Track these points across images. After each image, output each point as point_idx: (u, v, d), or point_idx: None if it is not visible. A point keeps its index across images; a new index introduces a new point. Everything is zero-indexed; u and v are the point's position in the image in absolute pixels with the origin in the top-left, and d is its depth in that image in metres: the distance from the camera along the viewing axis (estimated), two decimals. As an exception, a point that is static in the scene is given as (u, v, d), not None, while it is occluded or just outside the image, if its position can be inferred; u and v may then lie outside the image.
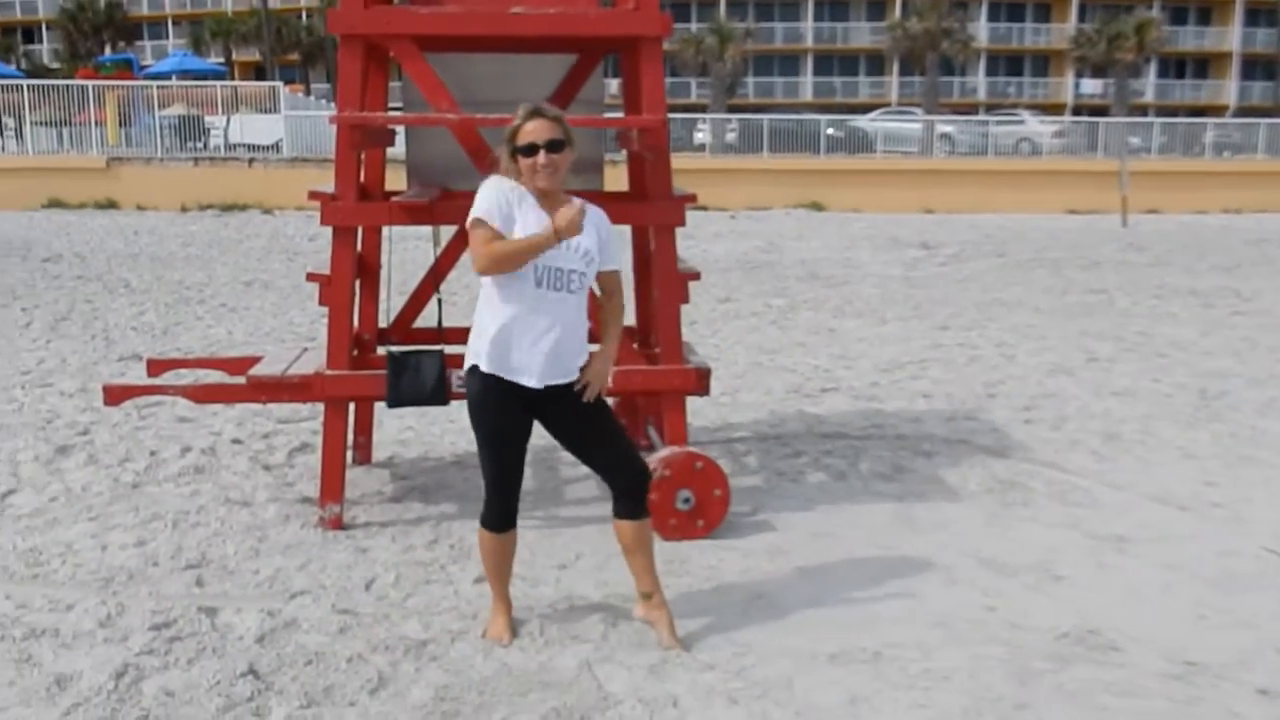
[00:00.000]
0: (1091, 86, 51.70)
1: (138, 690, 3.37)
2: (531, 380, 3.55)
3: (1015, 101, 48.55)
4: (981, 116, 34.25)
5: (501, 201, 3.51)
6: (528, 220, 3.50)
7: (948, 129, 29.70)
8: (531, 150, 3.49)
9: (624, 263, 3.84)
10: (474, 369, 3.61)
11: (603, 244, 3.65)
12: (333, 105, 30.59)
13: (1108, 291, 12.64)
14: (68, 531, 4.77)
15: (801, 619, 3.95)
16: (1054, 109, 47.63)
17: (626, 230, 5.35)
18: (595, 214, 3.64)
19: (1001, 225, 21.37)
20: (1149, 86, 52.49)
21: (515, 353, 3.54)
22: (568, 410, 3.66)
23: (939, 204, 24.53)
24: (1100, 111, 40.24)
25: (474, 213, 3.51)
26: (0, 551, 4.54)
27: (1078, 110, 48.41)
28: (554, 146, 3.50)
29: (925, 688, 3.45)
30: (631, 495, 3.72)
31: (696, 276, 5.00)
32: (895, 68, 51.20)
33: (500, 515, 3.69)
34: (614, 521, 3.78)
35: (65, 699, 3.32)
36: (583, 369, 3.65)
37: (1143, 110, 45.88)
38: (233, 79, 39.57)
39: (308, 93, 39.38)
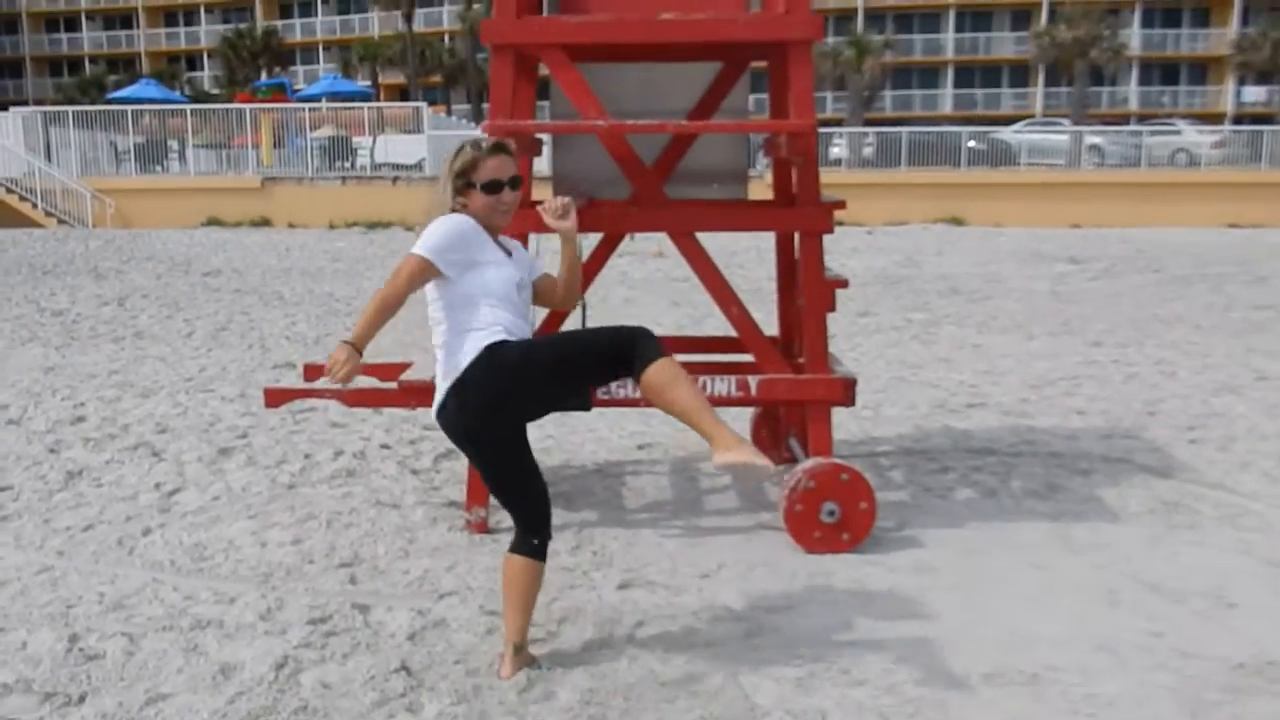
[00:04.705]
0: (1255, 94, 49.23)
1: (296, 681, 3.47)
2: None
3: (1170, 111, 46.59)
4: (1134, 126, 32.92)
5: (459, 243, 3.32)
6: (494, 259, 3.37)
7: (1097, 140, 28.61)
8: (496, 187, 3.37)
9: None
10: (484, 354, 3.27)
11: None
12: (474, 126, 31.39)
13: (1276, 308, 11.95)
14: (229, 528, 4.97)
15: (953, 637, 3.81)
16: (1212, 118, 45.46)
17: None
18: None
19: (1156, 240, 20.47)
20: (1318, 93, 49.66)
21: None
22: None
23: (1087, 218, 23.65)
24: (1264, 120, 38.19)
25: (423, 248, 3.28)
26: (168, 546, 4.75)
27: (1239, 119, 46.09)
28: (515, 183, 3.43)
29: (1089, 714, 3.28)
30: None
31: (844, 284, 4.91)
32: (1041, 78, 49.79)
33: (547, 533, 3.44)
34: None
35: (230, 687, 3.44)
36: None
37: (1311, 118, 43.40)
38: (379, 100, 41.00)
39: (449, 113, 40.55)
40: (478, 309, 3.33)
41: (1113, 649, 3.73)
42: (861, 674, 3.52)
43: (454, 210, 3.39)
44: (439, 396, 3.37)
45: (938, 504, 5.32)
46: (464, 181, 3.38)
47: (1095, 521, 5.05)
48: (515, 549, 3.44)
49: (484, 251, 3.37)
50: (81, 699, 3.37)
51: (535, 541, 3.42)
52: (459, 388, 3.29)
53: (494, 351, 3.27)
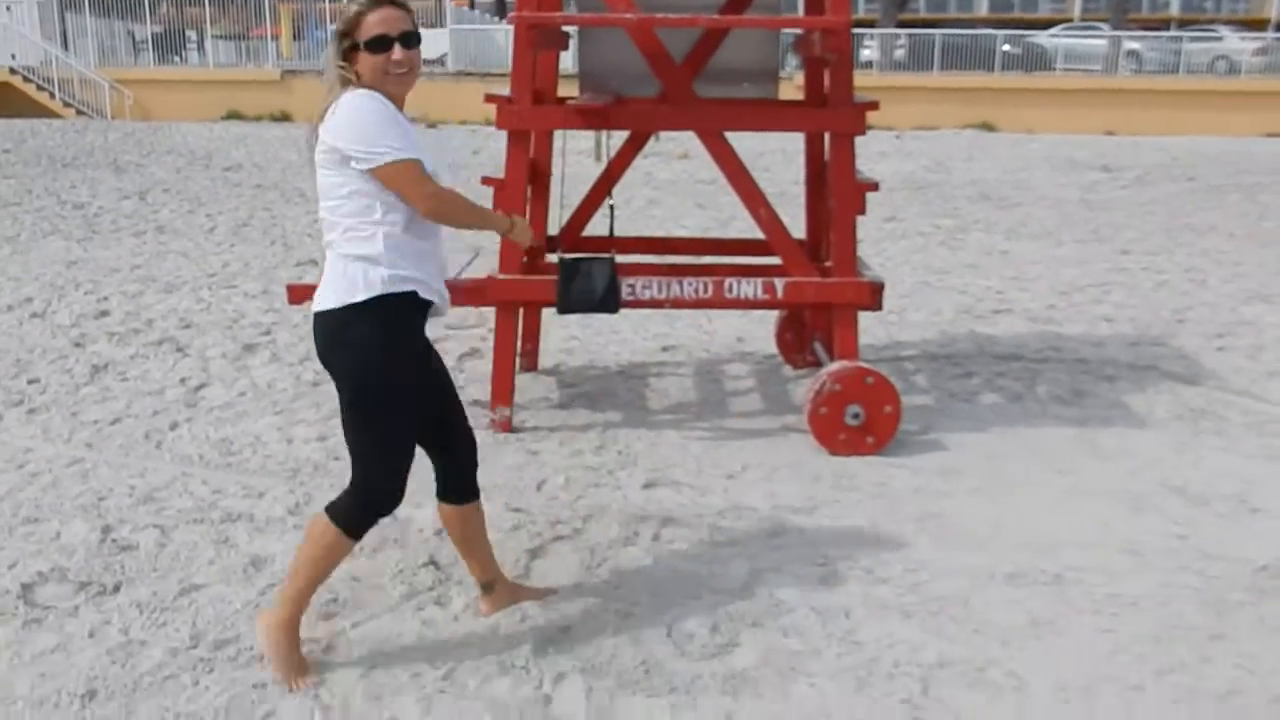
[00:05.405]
0: (1301, -1, 47.55)
1: (326, 573, 3.52)
2: (445, 302, 2.95)
3: (1213, 17, 45.05)
4: (1174, 32, 31.94)
5: (405, 126, 2.79)
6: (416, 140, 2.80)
7: (1135, 45, 27.79)
8: (383, 44, 2.75)
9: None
10: (367, 303, 2.79)
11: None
12: (498, 20, 30.77)
13: (1311, 217, 11.73)
14: (256, 424, 5.01)
15: (977, 538, 3.83)
16: (1256, 24, 44.03)
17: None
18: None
19: (1191, 148, 20.01)
20: (1367, -2, 47.96)
21: (423, 264, 2.85)
22: (435, 358, 3.09)
23: (1122, 125, 23.10)
24: (1309, 26, 36.98)
25: (398, 151, 2.72)
26: (196, 440, 4.80)
27: (1282, 25, 44.63)
28: (409, 40, 2.79)
29: (1112, 613, 3.31)
30: (472, 473, 3.21)
31: (874, 187, 4.82)
32: (1079, -20, 48.17)
33: (397, 496, 2.94)
34: (447, 508, 3.15)
35: (260, 579, 3.50)
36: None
37: (1357, 24, 41.97)
38: (400, -4, 40.06)
39: (472, 7, 39.62)
40: (393, 229, 2.79)
41: (1136, 551, 3.73)
42: (885, 573, 3.55)
43: (346, 81, 2.80)
44: (316, 305, 2.91)
45: (962, 408, 5.31)
46: (349, 44, 2.78)
47: (1121, 427, 5.03)
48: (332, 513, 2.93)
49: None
50: (116, 588, 3.44)
51: (361, 513, 2.93)
52: (331, 321, 2.87)
53: (382, 318, 2.81)
